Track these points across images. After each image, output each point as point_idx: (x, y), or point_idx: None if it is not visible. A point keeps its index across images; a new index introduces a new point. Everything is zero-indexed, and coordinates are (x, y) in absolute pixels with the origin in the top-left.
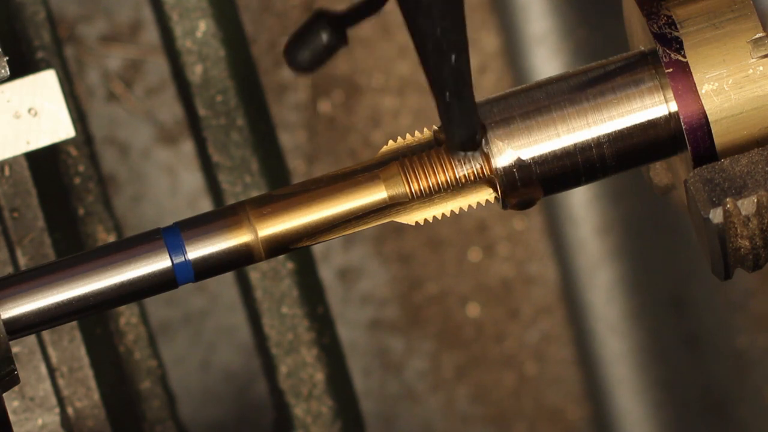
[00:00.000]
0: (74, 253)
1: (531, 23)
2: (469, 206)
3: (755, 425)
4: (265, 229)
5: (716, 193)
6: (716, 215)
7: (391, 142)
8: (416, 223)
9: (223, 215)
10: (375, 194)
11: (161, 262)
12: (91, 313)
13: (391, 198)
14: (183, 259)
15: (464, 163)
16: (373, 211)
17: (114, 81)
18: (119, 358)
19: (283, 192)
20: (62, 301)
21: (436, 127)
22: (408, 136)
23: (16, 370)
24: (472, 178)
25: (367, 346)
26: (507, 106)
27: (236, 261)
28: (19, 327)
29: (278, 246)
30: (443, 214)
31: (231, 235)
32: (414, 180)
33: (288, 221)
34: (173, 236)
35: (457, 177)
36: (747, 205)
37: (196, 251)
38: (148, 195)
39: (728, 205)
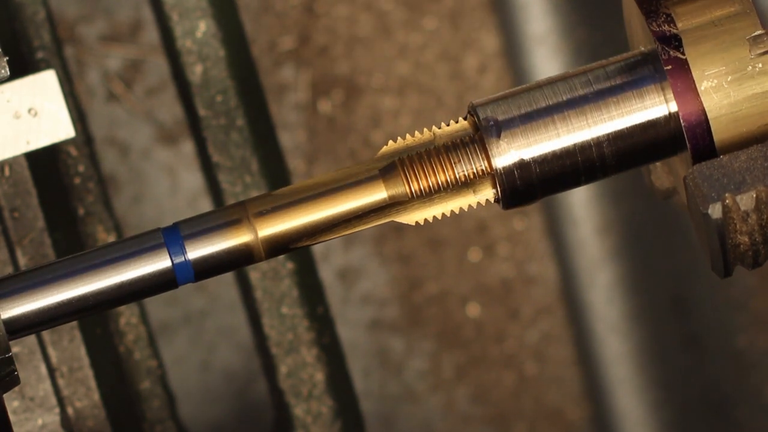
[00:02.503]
0: (74, 253)
1: (531, 23)
2: (469, 206)
3: (755, 425)
4: (265, 229)
5: (715, 188)
6: (715, 210)
7: (391, 142)
8: (416, 223)
9: (223, 215)
10: (375, 194)
11: (161, 262)
12: (91, 313)
13: (391, 198)
14: (183, 259)
15: (465, 163)
16: (373, 210)
17: (114, 81)
18: (119, 359)
19: (283, 192)
20: (62, 301)
21: (436, 128)
22: (408, 136)
23: (16, 370)
24: (472, 177)
25: (367, 346)
26: (507, 106)
27: (236, 261)
28: (19, 327)
29: (278, 246)
30: (443, 214)
31: (231, 235)
32: (414, 180)
33: (288, 221)
34: (173, 236)
35: (457, 177)
36: (746, 201)
37: (196, 251)
38: (148, 195)
39: (727, 201)
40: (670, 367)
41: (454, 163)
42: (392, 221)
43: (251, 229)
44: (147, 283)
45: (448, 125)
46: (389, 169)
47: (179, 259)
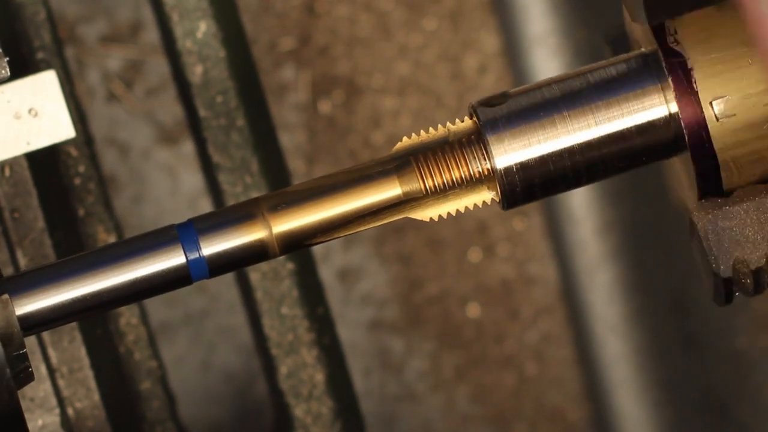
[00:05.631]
0: (87, 251)
1: (531, 23)
2: (483, 202)
3: (755, 426)
4: (280, 226)
5: (724, 249)
6: (726, 270)
7: (405, 138)
8: (430, 219)
9: (238, 211)
10: (389, 190)
11: (176, 259)
12: (105, 310)
13: (405, 194)
14: (197, 255)
15: (478, 160)
16: (387, 207)
17: (114, 81)
18: (119, 359)
19: (297, 188)
20: (76, 298)
21: (450, 124)
22: (422, 132)
23: (30, 366)
24: (486, 174)
25: (367, 347)
26: (507, 106)
27: (251, 257)
28: (33, 323)
29: (293, 242)
30: (457, 210)
31: (245, 232)
32: (428, 176)
33: (302, 217)
34: (187, 232)
35: (471, 173)
36: (756, 261)
37: (210, 247)
38: (148, 195)
39: (738, 265)
40: (670, 367)
41: (468, 160)
42: (406, 217)
43: (266, 225)
44: (161, 280)
45: (462, 122)
46: (404, 165)
47: (194, 256)
